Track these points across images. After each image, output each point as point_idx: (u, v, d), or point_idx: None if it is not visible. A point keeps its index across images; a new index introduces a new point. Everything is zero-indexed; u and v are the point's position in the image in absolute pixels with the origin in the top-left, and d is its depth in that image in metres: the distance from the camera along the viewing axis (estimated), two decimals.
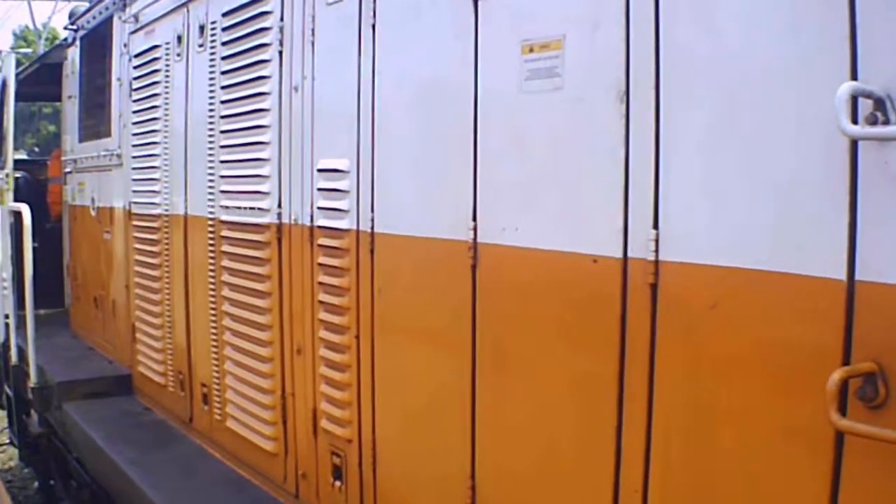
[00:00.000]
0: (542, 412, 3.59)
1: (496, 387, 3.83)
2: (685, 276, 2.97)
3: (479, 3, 3.85)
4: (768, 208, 2.72)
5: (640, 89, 3.11)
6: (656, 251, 3.04)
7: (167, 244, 7.45)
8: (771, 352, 2.73)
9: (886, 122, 2.38)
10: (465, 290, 3.91)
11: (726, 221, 2.85)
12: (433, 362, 4.25)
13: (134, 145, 8.10)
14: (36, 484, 11.88)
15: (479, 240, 3.84)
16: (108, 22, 8.97)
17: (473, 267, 3.86)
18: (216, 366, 6.56)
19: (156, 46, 7.57)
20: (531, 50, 3.56)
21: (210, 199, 6.48)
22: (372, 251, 4.59)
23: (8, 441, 12.55)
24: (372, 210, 4.58)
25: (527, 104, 3.61)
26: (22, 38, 63.71)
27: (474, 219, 3.85)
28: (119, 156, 8.57)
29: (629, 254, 3.15)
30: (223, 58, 6.23)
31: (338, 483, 5.04)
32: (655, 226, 3.05)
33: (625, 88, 3.16)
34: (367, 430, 4.73)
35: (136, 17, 8.07)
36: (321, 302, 5.05)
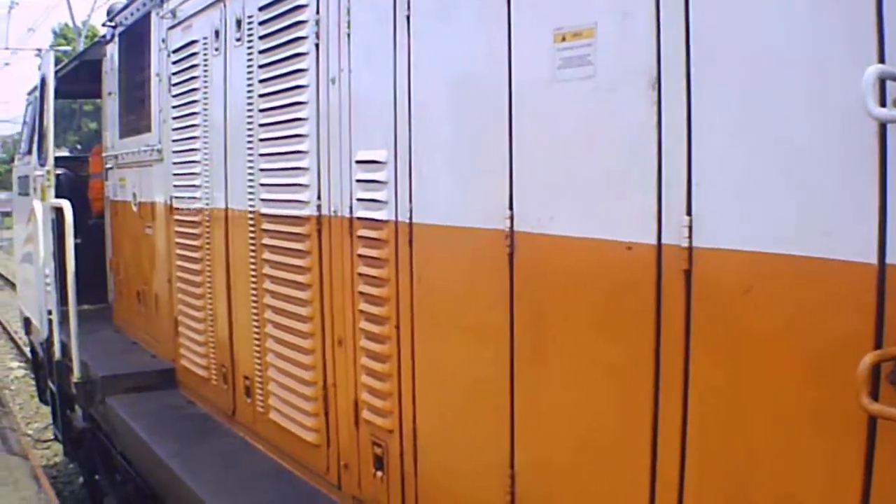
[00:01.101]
0: (579, 400, 3.65)
1: (534, 375, 3.89)
2: (718, 262, 3.01)
3: None
4: (798, 193, 2.76)
5: (672, 76, 3.15)
6: (689, 237, 3.08)
7: (208, 238, 7.57)
8: (803, 336, 2.77)
9: None
10: (502, 279, 3.97)
11: (758, 207, 2.89)
12: (472, 351, 4.31)
13: (174, 140, 8.24)
14: (81, 479, 12.07)
15: (515, 228, 3.89)
16: (145, 18, 9.11)
17: (510, 256, 3.92)
18: (258, 358, 6.67)
19: (193, 41, 7.69)
20: (563, 38, 3.61)
21: (250, 193, 6.59)
22: (410, 241, 4.65)
23: (53, 437, 12.76)
24: (410, 200, 4.65)
25: (560, 92, 3.66)
26: (62, 35, 64.48)
27: (510, 208, 3.91)
28: (159, 151, 8.71)
29: (663, 240, 3.20)
30: (260, 51, 6.33)
31: (379, 473, 5.12)
32: (689, 212, 3.09)
33: (656, 75, 3.21)
34: (409, 420, 4.80)
35: (173, 13, 8.19)
36: (361, 293, 5.13)
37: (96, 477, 10.76)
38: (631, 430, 3.38)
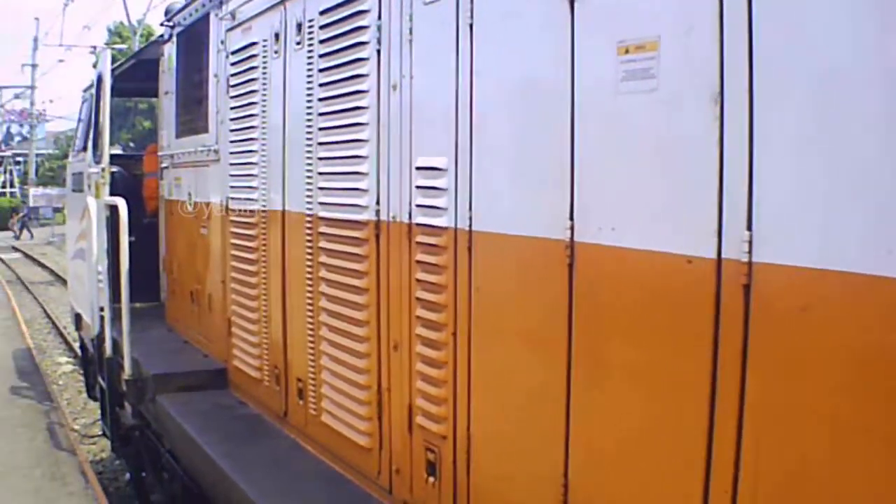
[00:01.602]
0: (634, 412, 3.70)
1: (589, 386, 3.94)
2: (777, 278, 3.05)
3: (576, 4, 3.96)
4: (860, 210, 2.80)
5: (734, 90, 3.20)
6: (749, 252, 3.13)
7: (264, 240, 7.67)
8: (861, 355, 2.80)
9: None
10: (561, 289, 4.02)
11: (818, 223, 2.93)
12: (528, 360, 4.36)
13: (231, 141, 8.35)
14: (127, 475, 12.21)
15: (575, 239, 3.95)
16: (204, 19, 9.23)
17: (570, 266, 3.97)
18: (312, 361, 6.75)
19: (253, 44, 7.80)
20: (627, 51, 3.67)
21: (308, 196, 6.67)
22: (470, 249, 4.71)
23: (100, 433, 12.92)
24: (470, 208, 4.70)
25: (623, 105, 3.71)
26: (116, 34, 65.27)
27: (571, 218, 3.96)
28: (216, 151, 8.83)
29: (723, 254, 3.24)
30: (321, 55, 6.42)
31: (431, 479, 5.18)
32: (749, 227, 3.14)
33: (719, 90, 3.25)
34: (462, 427, 4.86)
35: (232, 15, 8.30)
36: (418, 299, 5.19)
37: (143, 474, 10.88)
38: (685, 443, 3.43)
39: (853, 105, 2.84)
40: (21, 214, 68.00)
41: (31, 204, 77.32)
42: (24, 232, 63.57)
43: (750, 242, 3.14)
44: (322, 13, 6.38)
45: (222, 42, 8.64)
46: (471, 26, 4.71)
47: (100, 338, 10.50)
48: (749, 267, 3.14)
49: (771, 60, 3.09)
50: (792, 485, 3.05)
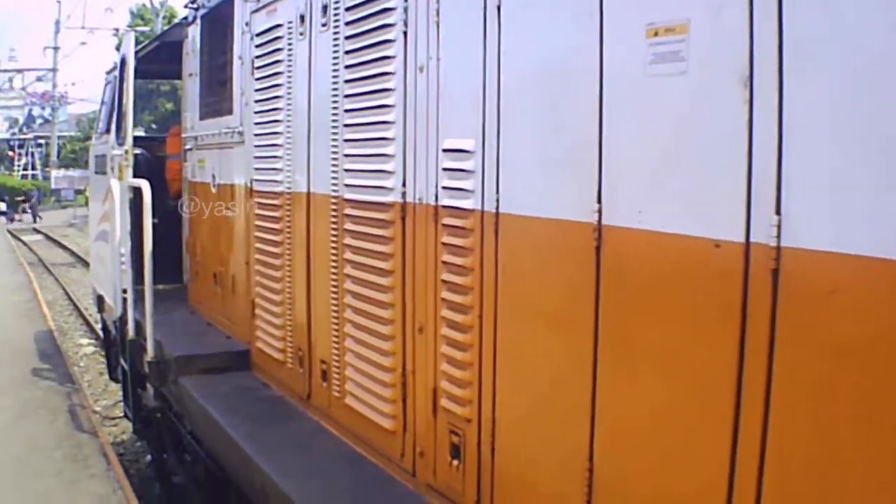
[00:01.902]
0: (660, 397, 3.71)
1: (616, 371, 3.97)
2: (806, 262, 3.06)
3: None
4: (890, 194, 2.80)
5: (764, 73, 3.20)
6: (778, 236, 3.14)
7: (289, 221, 7.71)
8: (890, 339, 2.80)
9: None
10: (588, 273, 4.04)
11: (847, 208, 2.94)
12: (554, 343, 4.37)
13: (256, 123, 8.38)
14: (148, 457, 12.33)
15: (603, 222, 3.96)
16: (228, 1, 9.25)
17: (597, 249, 3.99)
18: (336, 343, 6.79)
19: (278, 25, 7.83)
20: (656, 33, 3.67)
21: (333, 178, 6.70)
22: (496, 231, 4.72)
23: (122, 414, 13.03)
24: (497, 190, 4.71)
25: (651, 87, 3.71)
26: (139, 16, 65.53)
27: (599, 201, 3.97)
28: (241, 133, 8.87)
29: (751, 238, 3.25)
30: (346, 37, 6.44)
31: (455, 462, 5.21)
32: (778, 211, 3.15)
33: (748, 73, 3.26)
34: (487, 410, 4.88)
35: None
36: (444, 281, 5.20)
37: (164, 456, 10.96)
38: (711, 427, 3.44)
39: (885, 87, 2.83)
40: (31, 200, 68.20)
41: (53, 186, 77.76)
42: (28, 216, 63.67)
43: (779, 227, 3.15)
44: None
45: (247, 24, 8.66)
46: (498, 7, 4.72)
47: (122, 320, 10.57)
48: (777, 251, 3.15)
49: (801, 42, 3.09)
50: (820, 470, 3.06)
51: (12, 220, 61.32)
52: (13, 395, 12.91)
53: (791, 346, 3.14)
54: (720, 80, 3.39)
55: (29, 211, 64.68)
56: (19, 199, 70.08)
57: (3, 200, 69.03)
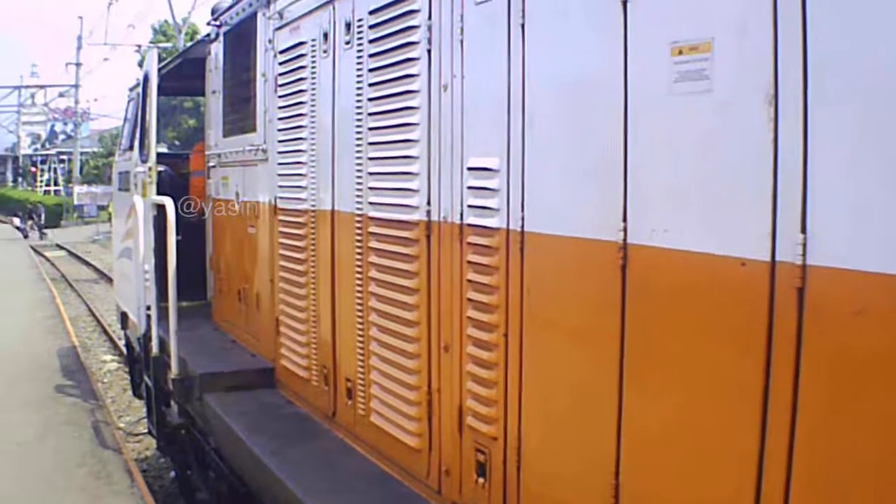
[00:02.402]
0: (688, 414, 3.73)
1: (642, 389, 3.98)
2: (831, 281, 3.08)
3: (628, 4, 3.99)
4: None
5: (789, 92, 3.23)
6: (804, 255, 3.16)
7: (313, 239, 7.74)
8: None
9: None
10: (614, 291, 4.06)
11: (873, 226, 2.96)
12: (580, 361, 4.39)
13: (280, 140, 8.42)
14: (172, 473, 12.34)
15: (628, 240, 3.98)
16: (251, 18, 9.32)
17: (623, 268, 4.01)
18: (361, 361, 6.82)
19: (301, 43, 7.88)
20: (680, 52, 3.70)
21: (358, 196, 6.73)
22: (522, 250, 4.74)
23: (146, 430, 13.07)
24: (522, 209, 4.74)
25: (676, 106, 3.74)
26: (161, 32, 65.95)
27: (624, 219, 4.00)
28: (264, 150, 8.90)
29: (777, 257, 3.27)
30: (370, 55, 6.47)
31: (481, 480, 5.22)
32: (803, 230, 3.17)
33: (773, 91, 3.29)
34: (513, 428, 4.90)
35: (280, 14, 8.38)
36: (469, 300, 5.22)
37: (188, 472, 10.99)
38: (738, 446, 3.46)
39: None
40: (34, 215, 67.82)
41: (76, 202, 78.03)
42: (36, 232, 63.52)
43: (804, 245, 3.17)
44: (371, 13, 6.43)
45: (270, 41, 8.71)
46: (522, 26, 4.75)
47: (146, 336, 10.63)
48: (803, 270, 3.17)
49: (826, 61, 3.11)
50: (845, 486, 3.07)
51: (26, 235, 61.28)
52: (38, 411, 12.97)
53: (817, 363, 3.16)
54: (745, 98, 3.42)
55: (35, 228, 64.34)
56: (18, 214, 69.76)
57: (18, 216, 69.11)
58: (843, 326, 3.06)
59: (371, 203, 6.51)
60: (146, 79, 10.96)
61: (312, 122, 7.72)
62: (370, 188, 6.52)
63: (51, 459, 10.84)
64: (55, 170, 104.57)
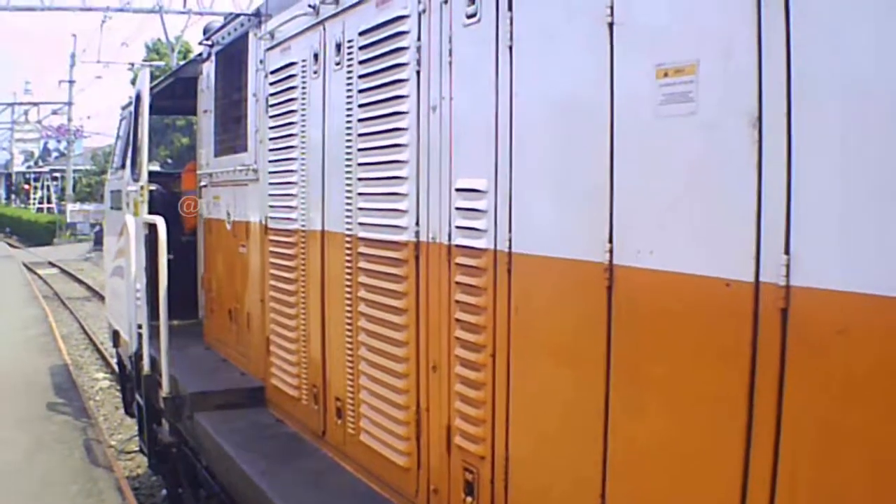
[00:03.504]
0: (673, 433, 3.73)
1: (628, 408, 3.99)
2: (814, 301, 3.10)
3: (615, 26, 4.01)
4: None
5: (773, 115, 3.25)
6: (787, 276, 3.18)
7: (304, 259, 7.75)
8: None
9: None
10: (599, 312, 4.07)
11: (856, 247, 2.98)
12: (567, 382, 4.40)
13: (270, 161, 8.42)
14: (163, 492, 12.30)
15: (614, 262, 3.99)
16: (243, 38, 9.34)
17: (609, 288, 4.02)
18: (351, 380, 6.82)
19: (292, 63, 7.88)
20: (666, 74, 3.72)
21: (347, 216, 6.74)
22: (509, 271, 4.75)
23: (137, 449, 13.04)
24: (509, 230, 4.75)
25: (662, 128, 3.76)
26: (154, 50, 65.98)
27: (610, 241, 4.01)
28: (255, 170, 8.91)
29: (761, 278, 3.29)
30: (360, 76, 6.49)
31: (469, 499, 5.22)
32: (787, 251, 3.19)
33: (757, 114, 3.31)
34: (501, 448, 4.90)
35: (271, 35, 8.40)
36: (458, 320, 5.23)
37: (179, 491, 10.96)
38: (723, 466, 3.47)
39: (892, 127, 2.87)
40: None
41: (69, 219, 77.85)
42: None
43: (787, 266, 3.18)
44: (361, 34, 6.45)
45: (261, 61, 8.73)
46: (510, 48, 4.76)
47: (137, 355, 10.60)
48: (787, 290, 3.19)
49: (809, 84, 3.13)
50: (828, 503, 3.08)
51: None
52: (29, 429, 12.94)
53: (800, 383, 3.17)
54: (729, 120, 3.44)
55: None
56: None
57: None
58: (827, 346, 3.07)
59: (361, 223, 6.52)
60: (138, 97, 10.95)
61: (303, 143, 7.73)
62: (360, 208, 6.53)
63: (42, 477, 10.82)
64: (48, 187, 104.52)
